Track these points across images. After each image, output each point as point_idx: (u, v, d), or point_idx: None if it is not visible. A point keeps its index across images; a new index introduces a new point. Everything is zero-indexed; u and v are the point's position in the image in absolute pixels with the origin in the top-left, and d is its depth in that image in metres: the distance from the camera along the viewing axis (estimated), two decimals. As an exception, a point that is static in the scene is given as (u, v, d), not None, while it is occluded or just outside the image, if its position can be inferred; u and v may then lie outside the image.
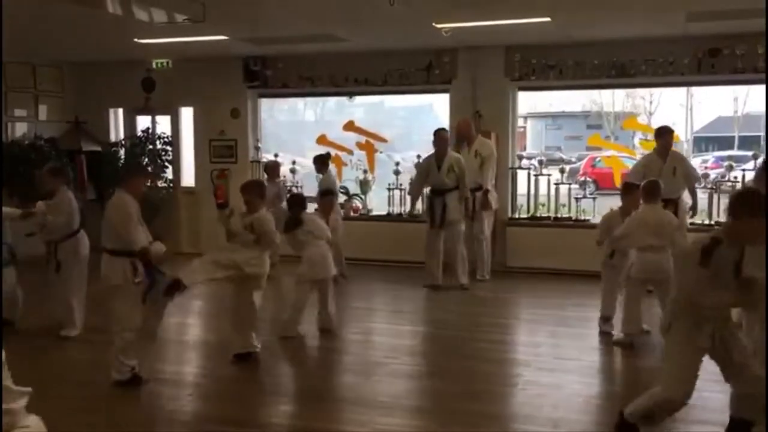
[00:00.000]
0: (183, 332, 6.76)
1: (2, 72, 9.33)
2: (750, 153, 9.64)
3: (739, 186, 8.35)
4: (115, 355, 4.99)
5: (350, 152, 10.26)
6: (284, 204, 9.24)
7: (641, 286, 5.86)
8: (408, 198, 9.26)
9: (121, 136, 10.96)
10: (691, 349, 3.66)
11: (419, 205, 8.93)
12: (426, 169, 8.23)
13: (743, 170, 8.84)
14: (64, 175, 6.29)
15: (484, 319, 6.87)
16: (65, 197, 6.14)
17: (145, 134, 10.61)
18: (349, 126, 10.34)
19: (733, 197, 3.67)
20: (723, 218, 6.84)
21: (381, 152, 10.38)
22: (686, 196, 7.77)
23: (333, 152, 10.22)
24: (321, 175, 8.77)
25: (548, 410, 4.66)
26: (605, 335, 6.12)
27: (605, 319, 6.21)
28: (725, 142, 24.27)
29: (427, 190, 8.49)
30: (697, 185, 7.93)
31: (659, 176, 7.61)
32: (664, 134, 7.70)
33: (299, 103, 12.49)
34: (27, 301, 6.43)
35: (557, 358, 5.93)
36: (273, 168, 9.22)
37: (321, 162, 8.81)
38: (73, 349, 5.92)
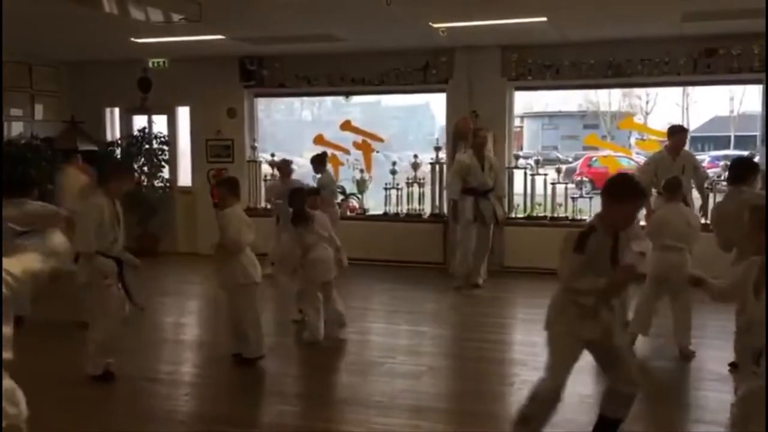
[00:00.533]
0: (179, 332, 6.76)
1: (1, 70, 9.31)
2: (746, 152, 9.67)
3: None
4: (92, 350, 5.06)
5: (347, 152, 10.26)
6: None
7: (658, 287, 5.65)
8: (405, 200, 9.25)
9: (118, 135, 10.95)
10: (572, 340, 3.58)
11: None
12: (466, 170, 8.17)
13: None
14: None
15: (481, 319, 6.88)
16: None
17: (142, 134, 10.60)
18: (346, 126, 10.34)
19: (604, 184, 3.65)
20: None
21: (378, 152, 10.39)
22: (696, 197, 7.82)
23: (330, 152, 10.23)
24: (319, 175, 8.76)
25: (544, 410, 4.67)
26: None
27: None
28: (721, 142, 24.35)
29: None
30: (706, 185, 7.96)
31: (668, 173, 7.66)
32: (677, 133, 7.77)
33: (296, 102, 12.50)
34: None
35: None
36: (284, 167, 9.16)
37: (319, 161, 8.80)
38: (67, 348, 5.90)
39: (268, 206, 9.37)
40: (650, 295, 5.69)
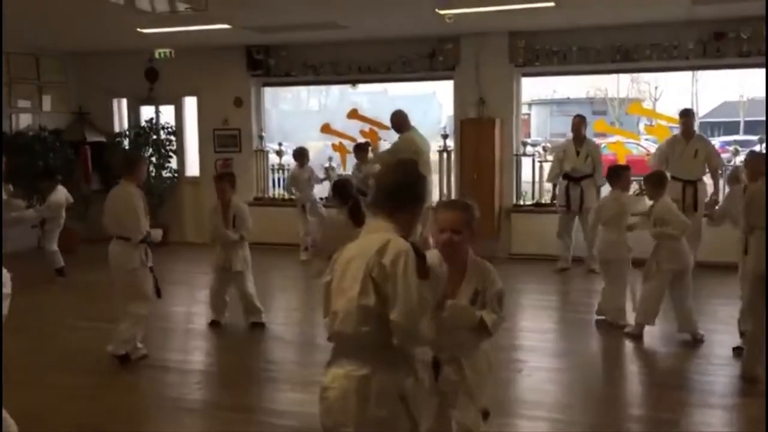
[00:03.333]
0: (189, 321, 6.79)
1: (1, 63, 9.34)
2: (756, 137, 9.60)
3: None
4: (123, 328, 5.20)
5: (354, 140, 10.23)
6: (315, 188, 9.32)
7: (669, 279, 5.61)
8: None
9: (125, 126, 10.97)
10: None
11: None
12: (562, 155, 8.36)
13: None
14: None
15: None
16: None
17: (149, 124, 10.61)
18: (353, 114, 10.32)
19: None
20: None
21: (385, 140, 10.35)
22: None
23: (337, 140, 10.24)
24: (362, 165, 8.87)
25: (553, 396, 4.69)
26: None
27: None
28: (731, 127, 24.16)
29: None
30: (720, 171, 7.94)
31: (681, 158, 7.66)
32: (684, 115, 7.93)
33: (303, 92, 12.50)
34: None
35: (562, 344, 5.96)
36: (300, 154, 9.26)
37: (361, 150, 8.92)
38: (79, 338, 5.95)
39: (292, 196, 9.41)
40: (661, 287, 5.63)
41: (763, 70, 8.54)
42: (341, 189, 5.42)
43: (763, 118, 8.93)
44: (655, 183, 5.80)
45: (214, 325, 6.26)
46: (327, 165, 9.85)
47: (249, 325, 6.19)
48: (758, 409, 4.17)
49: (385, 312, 2.33)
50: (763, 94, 9.33)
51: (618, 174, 6.15)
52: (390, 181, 2.58)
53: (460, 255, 2.92)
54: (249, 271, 6.24)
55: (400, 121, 8.03)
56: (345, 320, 2.40)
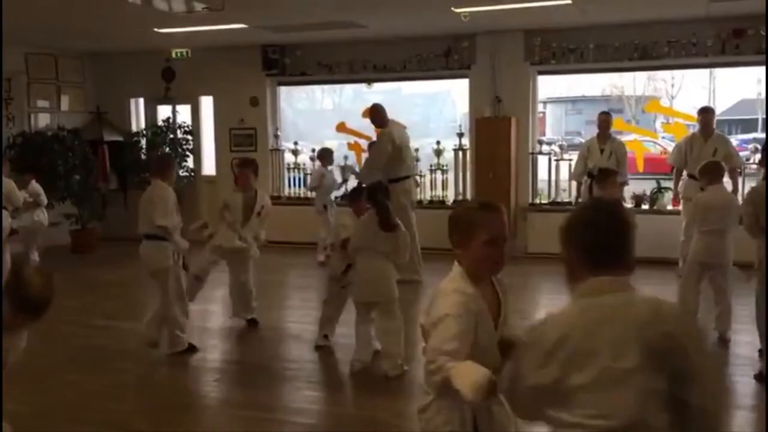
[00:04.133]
0: (206, 319, 6.83)
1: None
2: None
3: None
4: (170, 330, 5.34)
5: (369, 139, 10.23)
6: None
7: (701, 272, 5.58)
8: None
9: (143, 125, 11.05)
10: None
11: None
12: (586, 153, 8.31)
13: (768, 152, 8.72)
14: None
15: None
16: None
17: (166, 124, 10.68)
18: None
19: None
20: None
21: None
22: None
23: (353, 140, 10.24)
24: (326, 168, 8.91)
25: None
26: None
27: None
28: (749, 125, 23.90)
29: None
30: (739, 170, 7.86)
31: (699, 156, 7.59)
32: (703, 113, 7.81)
33: (317, 91, 12.51)
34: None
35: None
36: (325, 155, 9.18)
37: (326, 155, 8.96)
38: (98, 336, 6.00)
39: (311, 194, 9.38)
40: (692, 281, 5.59)
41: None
42: (373, 192, 5.09)
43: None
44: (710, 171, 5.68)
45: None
46: (343, 164, 9.85)
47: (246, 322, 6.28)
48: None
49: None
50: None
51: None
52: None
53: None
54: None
55: (376, 115, 7.94)
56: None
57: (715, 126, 7.99)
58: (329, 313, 5.47)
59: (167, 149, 10.39)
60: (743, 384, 4.73)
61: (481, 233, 2.30)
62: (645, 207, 8.89)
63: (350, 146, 10.28)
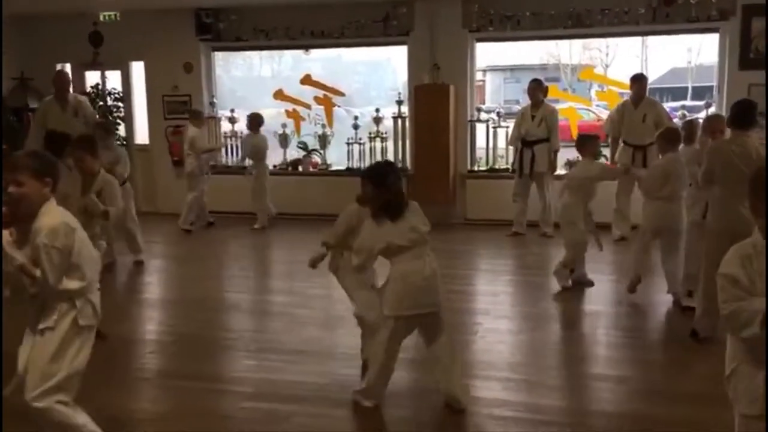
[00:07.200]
0: (142, 291, 6.69)
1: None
2: (702, 102, 9.81)
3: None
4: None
5: (308, 107, 10.12)
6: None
7: (653, 239, 5.73)
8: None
9: (70, 92, 10.58)
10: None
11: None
12: (520, 119, 8.43)
13: (696, 119, 9.00)
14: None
15: (445, 271, 6.78)
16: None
17: (95, 90, 10.30)
18: (306, 80, 10.17)
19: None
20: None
21: (339, 106, 10.27)
22: None
23: (291, 107, 10.10)
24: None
25: (506, 356, 4.79)
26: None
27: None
28: (679, 93, 24.62)
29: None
30: None
31: (630, 122, 7.80)
32: (635, 81, 8.03)
33: (255, 58, 12.19)
34: None
35: (515, 306, 6.07)
36: (254, 120, 9.12)
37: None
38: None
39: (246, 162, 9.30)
40: (645, 247, 5.74)
41: (711, 36, 8.76)
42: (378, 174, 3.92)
43: (710, 84, 9.13)
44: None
45: None
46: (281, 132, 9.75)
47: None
48: (704, 365, 4.40)
49: None
50: (710, 61, 9.55)
51: (583, 142, 6.26)
52: None
53: None
54: None
55: None
56: None
57: (647, 94, 8.22)
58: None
59: (96, 117, 10.01)
60: (673, 340, 4.93)
61: None
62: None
63: (288, 114, 10.13)
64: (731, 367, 2.55)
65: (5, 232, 2.90)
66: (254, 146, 9.06)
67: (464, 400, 3.86)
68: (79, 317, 3.04)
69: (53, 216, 2.94)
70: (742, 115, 4.78)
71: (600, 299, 5.96)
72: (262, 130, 9.21)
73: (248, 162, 9.28)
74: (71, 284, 2.99)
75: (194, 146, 8.83)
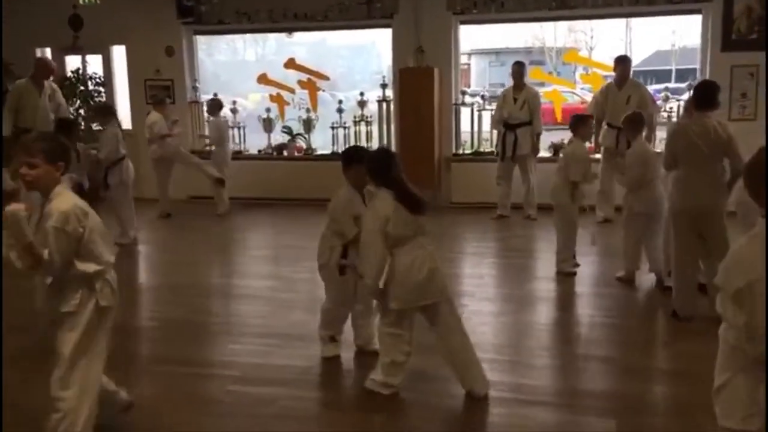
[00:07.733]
0: (127, 277, 6.65)
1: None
2: (684, 84, 9.86)
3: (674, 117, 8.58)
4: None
5: (292, 91, 10.06)
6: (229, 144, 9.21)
7: (646, 222, 5.67)
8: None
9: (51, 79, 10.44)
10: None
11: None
12: (502, 102, 8.46)
13: (678, 101, 9.06)
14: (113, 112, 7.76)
15: None
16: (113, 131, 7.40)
17: (76, 75, 10.17)
18: (290, 64, 10.09)
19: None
20: (660, 150, 6.94)
21: (323, 90, 10.21)
22: None
23: (275, 91, 10.03)
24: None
25: (491, 338, 4.82)
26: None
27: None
28: (663, 75, 24.71)
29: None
30: (657, 115, 8.13)
31: (614, 104, 7.82)
32: (619, 63, 8.06)
33: (239, 42, 12.09)
34: None
35: (499, 288, 6.11)
36: (213, 105, 9.10)
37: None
38: None
39: (211, 148, 9.27)
40: (637, 231, 5.69)
41: (694, 17, 8.79)
42: (377, 163, 3.80)
43: (694, 66, 9.16)
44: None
45: None
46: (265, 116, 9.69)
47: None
48: (685, 343, 4.47)
49: None
50: (693, 43, 9.60)
51: (577, 123, 6.17)
52: None
53: None
54: None
55: None
56: None
57: (631, 75, 8.24)
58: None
59: (78, 102, 9.92)
60: (659, 322, 4.98)
61: None
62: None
63: (272, 98, 10.07)
64: (723, 378, 2.36)
65: (20, 206, 2.88)
66: (216, 130, 9.08)
67: (485, 392, 3.83)
68: (100, 299, 3.13)
69: (65, 200, 2.96)
70: (704, 96, 4.86)
71: (584, 281, 6.00)
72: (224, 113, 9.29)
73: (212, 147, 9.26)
74: (88, 267, 3.05)
75: (152, 131, 8.75)
